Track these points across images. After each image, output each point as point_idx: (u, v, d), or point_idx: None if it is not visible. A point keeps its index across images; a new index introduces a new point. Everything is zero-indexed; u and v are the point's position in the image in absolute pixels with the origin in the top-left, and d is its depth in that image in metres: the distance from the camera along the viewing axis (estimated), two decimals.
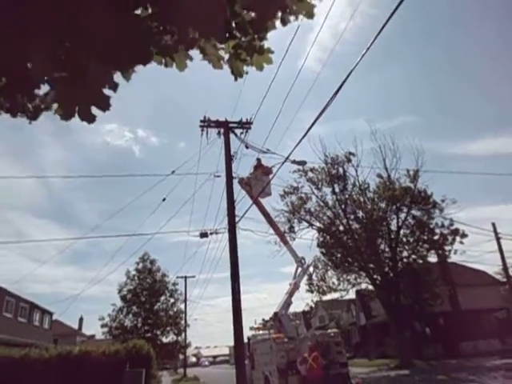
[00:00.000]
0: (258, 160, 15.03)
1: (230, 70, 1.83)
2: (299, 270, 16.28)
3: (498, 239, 22.46)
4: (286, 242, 17.98)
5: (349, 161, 29.52)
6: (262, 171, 14.83)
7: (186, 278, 37.95)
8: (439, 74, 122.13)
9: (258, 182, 14.66)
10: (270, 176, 14.48)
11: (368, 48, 5.64)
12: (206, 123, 14.39)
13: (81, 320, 50.71)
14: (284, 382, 12.22)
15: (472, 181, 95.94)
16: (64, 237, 25.26)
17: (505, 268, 23.21)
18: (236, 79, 1.80)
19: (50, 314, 32.28)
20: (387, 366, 25.52)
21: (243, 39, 1.57)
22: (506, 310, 34.03)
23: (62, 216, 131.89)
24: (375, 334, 36.57)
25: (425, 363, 25.11)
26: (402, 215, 28.99)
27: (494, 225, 22.84)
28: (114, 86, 1.67)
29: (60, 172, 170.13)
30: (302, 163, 15.23)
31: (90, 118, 1.76)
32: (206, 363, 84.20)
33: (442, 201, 28.21)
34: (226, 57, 1.88)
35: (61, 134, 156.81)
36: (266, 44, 1.66)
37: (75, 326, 49.44)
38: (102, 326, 26.57)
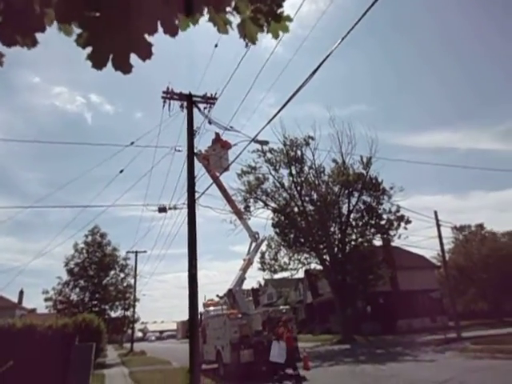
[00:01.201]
0: (217, 134, 14.63)
1: (241, 36, 1.75)
2: (253, 245, 16.42)
3: (438, 226, 24.14)
4: (241, 218, 18.05)
5: (307, 144, 30.06)
6: (220, 145, 14.57)
7: (136, 252, 37.24)
8: (402, 66, 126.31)
9: (216, 156, 14.44)
10: (229, 151, 14.30)
11: (339, 43, 5.65)
12: (169, 95, 13.85)
13: (21, 293, 48.29)
14: (236, 356, 12.54)
15: (416, 171, 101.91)
16: (1, 205, 23.55)
17: (442, 253, 25.08)
18: (247, 45, 1.74)
19: None
20: (330, 341, 26.97)
21: (264, 4, 1.51)
22: (439, 291, 37.08)
23: (1, 183, 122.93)
24: (320, 311, 38.36)
25: (364, 339, 26.84)
26: (354, 200, 30.27)
27: (435, 213, 24.47)
28: (174, 32, 1.46)
29: (1, 135, 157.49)
30: (265, 143, 15.20)
31: (127, 68, 1.53)
32: (153, 338, 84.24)
33: (391, 188, 29.78)
34: (236, 21, 1.80)
35: (3, 94, 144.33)
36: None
37: (14, 299, 47.01)
38: (46, 299, 25.40)
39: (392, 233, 30.00)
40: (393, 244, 32.25)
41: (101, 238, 28.60)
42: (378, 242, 32.04)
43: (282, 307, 15.52)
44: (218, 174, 14.28)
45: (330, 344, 25.86)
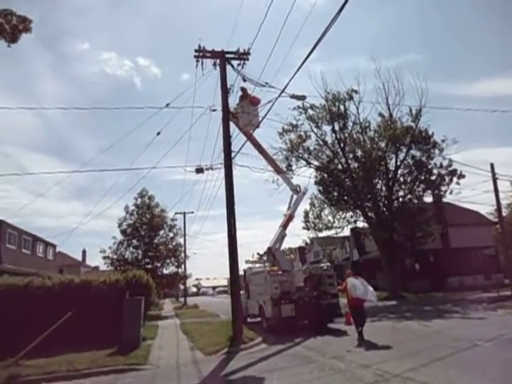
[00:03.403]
0: (243, 89, 13.98)
1: None
2: (294, 198, 16.07)
3: (494, 180, 22.44)
4: (280, 172, 17.77)
5: (350, 98, 28.62)
6: (249, 101, 14.05)
7: (184, 213, 38.94)
8: (454, 10, 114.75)
9: (245, 113, 13.99)
10: (258, 106, 13.78)
11: None
12: (201, 53, 13.56)
13: (84, 252, 52.68)
14: (277, 310, 12.89)
15: (472, 123, 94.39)
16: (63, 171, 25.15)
17: (498, 208, 23.49)
18: None
19: (53, 246, 33.32)
20: (377, 298, 26.87)
21: None
22: (495, 248, 35.15)
23: (62, 151, 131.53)
24: (367, 268, 38.08)
25: (412, 296, 26.45)
26: (401, 155, 28.83)
27: (492, 165, 22.65)
28: None
29: (58, 106, 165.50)
30: (302, 98, 14.55)
31: None
32: (210, 292, 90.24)
33: (443, 141, 27.90)
34: None
35: (57, 64, 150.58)
36: None
37: (79, 258, 51.50)
38: (104, 258, 27.47)
39: (443, 188, 28.52)
40: (444, 200, 30.72)
41: (149, 200, 29.93)
42: (428, 198, 30.73)
43: (322, 264, 15.51)
44: (250, 132, 14.00)
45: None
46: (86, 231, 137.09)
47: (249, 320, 16.81)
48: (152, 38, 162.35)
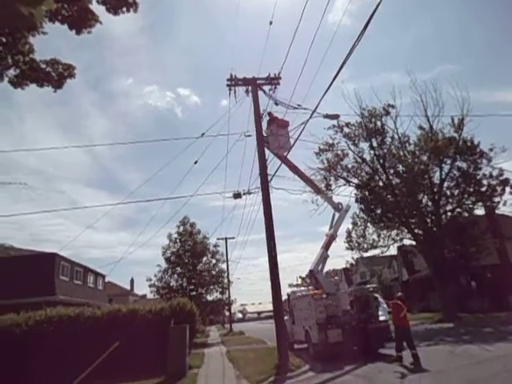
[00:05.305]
0: (270, 114, 14.10)
1: None
2: (336, 216, 15.48)
3: None
4: (319, 191, 17.46)
5: (387, 113, 28.00)
6: (277, 125, 14.05)
7: (226, 239, 39.16)
8: (479, 18, 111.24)
9: (275, 136, 14.01)
10: (288, 128, 13.77)
11: None
12: (233, 81, 13.98)
13: (132, 281, 54.24)
14: (323, 336, 12.41)
15: None
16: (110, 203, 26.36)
17: None
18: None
19: (103, 276, 34.58)
20: (431, 320, 25.31)
21: None
22: None
23: (111, 185, 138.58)
24: (418, 288, 36.24)
25: (470, 316, 24.62)
26: (446, 167, 27.55)
27: None
28: None
29: (106, 142, 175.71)
30: (335, 117, 14.46)
31: None
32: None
33: (491, 150, 26.40)
34: None
35: (104, 102, 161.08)
36: None
37: (128, 287, 53.03)
38: (150, 286, 28.10)
39: (496, 199, 26.80)
40: (498, 212, 28.79)
41: (191, 228, 30.50)
42: (479, 211, 28.96)
43: (368, 286, 14.89)
44: (284, 154, 14.00)
45: (429, 323, 24.27)
46: (133, 260, 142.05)
47: (296, 346, 16.35)
48: (190, 69, 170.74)
